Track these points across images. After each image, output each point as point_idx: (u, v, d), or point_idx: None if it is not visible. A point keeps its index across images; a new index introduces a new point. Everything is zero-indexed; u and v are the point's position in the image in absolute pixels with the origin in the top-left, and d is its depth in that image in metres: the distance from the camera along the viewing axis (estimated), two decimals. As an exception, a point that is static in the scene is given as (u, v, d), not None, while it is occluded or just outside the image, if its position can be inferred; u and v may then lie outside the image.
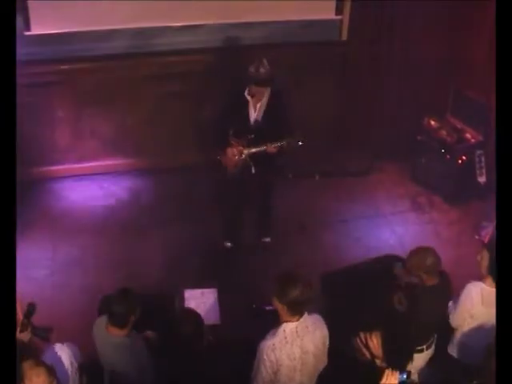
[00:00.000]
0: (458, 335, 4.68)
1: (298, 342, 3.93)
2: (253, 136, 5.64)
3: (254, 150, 5.66)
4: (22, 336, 4.36)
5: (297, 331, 3.93)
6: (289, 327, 3.93)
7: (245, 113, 5.64)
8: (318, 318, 4.11)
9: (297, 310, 3.91)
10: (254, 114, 5.65)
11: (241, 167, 5.77)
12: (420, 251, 4.52)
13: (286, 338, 3.91)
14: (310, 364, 4.05)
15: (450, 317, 4.62)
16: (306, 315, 3.98)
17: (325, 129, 7.36)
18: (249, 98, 5.59)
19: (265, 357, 3.88)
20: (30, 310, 4.60)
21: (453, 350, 4.75)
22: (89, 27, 6.60)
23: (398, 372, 3.88)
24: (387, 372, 3.85)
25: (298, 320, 3.93)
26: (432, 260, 4.44)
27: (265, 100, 5.61)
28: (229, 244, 6.38)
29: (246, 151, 5.67)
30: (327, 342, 4.12)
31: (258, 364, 3.95)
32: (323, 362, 4.19)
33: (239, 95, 5.62)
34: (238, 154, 5.70)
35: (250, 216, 6.36)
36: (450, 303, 4.65)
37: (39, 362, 3.85)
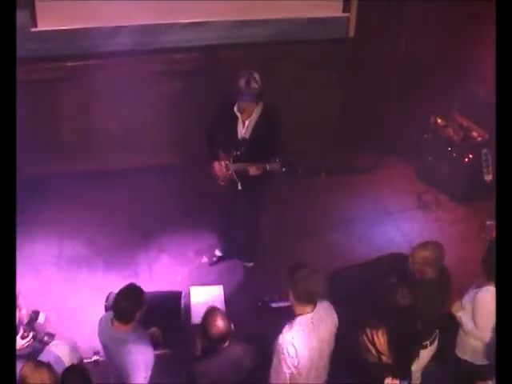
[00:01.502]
0: (474, 342, 4.60)
1: (315, 332, 4.00)
2: (239, 153, 5.43)
3: (237, 167, 5.45)
4: (23, 342, 4.39)
5: (312, 322, 4.00)
6: (304, 319, 3.99)
7: (233, 128, 5.38)
8: (328, 304, 4.18)
9: (308, 299, 3.98)
10: (242, 130, 5.38)
11: (228, 181, 5.59)
12: (427, 246, 4.54)
13: (303, 330, 3.97)
14: (325, 351, 4.14)
15: (473, 332, 4.52)
16: (318, 305, 4.04)
17: (331, 126, 7.35)
18: (238, 113, 5.35)
19: (285, 351, 3.93)
20: (34, 317, 4.63)
21: (465, 354, 4.68)
22: (95, 24, 6.60)
23: (398, 380, 3.90)
24: (387, 380, 3.88)
25: (312, 311, 4.00)
26: (437, 255, 4.49)
27: (254, 117, 5.34)
28: (219, 253, 6.26)
29: (231, 167, 5.49)
30: (337, 327, 4.20)
31: (277, 359, 3.99)
32: (333, 346, 4.25)
33: (229, 109, 5.36)
34: (224, 168, 5.53)
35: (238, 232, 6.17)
36: (461, 313, 4.58)
37: (39, 364, 3.92)
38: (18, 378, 3.76)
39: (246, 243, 6.17)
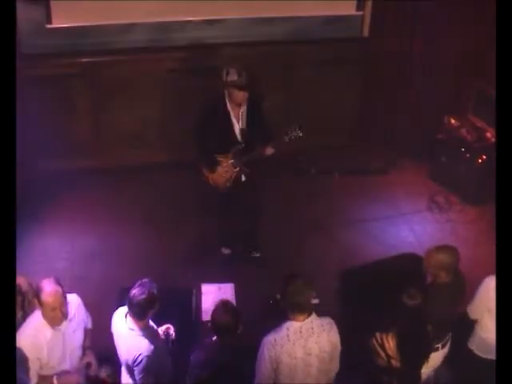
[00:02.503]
0: (477, 329, 4.69)
1: (301, 342, 3.91)
2: (242, 145, 5.49)
3: (248, 157, 5.47)
4: None
5: (300, 331, 3.91)
6: (293, 326, 3.92)
7: (228, 124, 5.45)
8: (328, 321, 4.06)
9: (296, 310, 3.91)
10: (238, 123, 5.46)
11: (232, 180, 5.62)
12: (443, 249, 4.49)
13: (288, 336, 3.90)
14: (313, 366, 4.00)
15: (468, 309, 4.64)
16: (313, 316, 3.96)
17: (344, 126, 7.34)
18: (230, 108, 5.41)
19: (265, 351, 3.90)
20: None
21: (472, 345, 4.76)
22: (109, 21, 6.64)
23: None
24: None
25: (303, 320, 3.92)
26: (453, 260, 4.44)
27: (245, 107, 5.43)
28: (227, 250, 6.26)
29: (239, 162, 5.52)
30: (338, 347, 4.08)
31: (259, 358, 3.96)
32: (335, 366, 4.14)
33: (220, 107, 5.41)
34: (229, 168, 5.56)
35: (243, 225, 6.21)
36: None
37: (58, 282, 4.07)
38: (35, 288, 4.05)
39: (251, 232, 6.16)
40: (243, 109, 5.43)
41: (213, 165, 5.58)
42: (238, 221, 6.07)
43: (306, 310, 3.93)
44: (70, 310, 4.21)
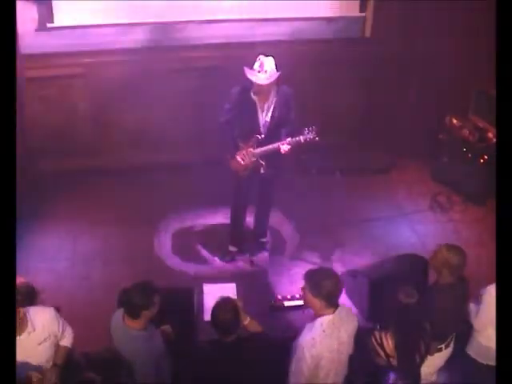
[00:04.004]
0: (476, 336, 4.66)
1: (335, 333, 3.94)
2: (263, 136, 5.56)
3: (265, 149, 5.55)
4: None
5: (334, 323, 3.94)
6: (326, 320, 3.94)
7: (253, 114, 5.52)
8: (349, 309, 4.18)
9: (333, 302, 3.95)
10: (263, 114, 5.53)
11: (251, 169, 5.68)
12: (453, 249, 4.46)
13: (324, 331, 3.91)
14: (344, 353, 4.06)
15: (473, 320, 4.61)
16: (340, 307, 4.01)
17: (346, 126, 7.33)
18: (255, 98, 5.47)
19: (306, 353, 3.88)
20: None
21: (470, 350, 4.73)
22: (109, 21, 6.63)
23: None
24: None
25: (333, 312, 3.95)
26: (460, 261, 4.41)
27: (272, 100, 5.50)
28: (234, 248, 6.27)
29: (257, 152, 5.59)
30: (356, 331, 4.15)
31: (298, 361, 3.93)
32: (351, 348, 4.19)
33: (245, 96, 5.49)
34: (248, 156, 5.62)
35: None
36: (472, 306, 4.63)
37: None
38: None
39: (260, 220, 6.21)
40: (269, 101, 5.49)
41: (233, 149, 5.65)
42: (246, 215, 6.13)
43: (337, 300, 3.97)
44: (34, 322, 4.09)
